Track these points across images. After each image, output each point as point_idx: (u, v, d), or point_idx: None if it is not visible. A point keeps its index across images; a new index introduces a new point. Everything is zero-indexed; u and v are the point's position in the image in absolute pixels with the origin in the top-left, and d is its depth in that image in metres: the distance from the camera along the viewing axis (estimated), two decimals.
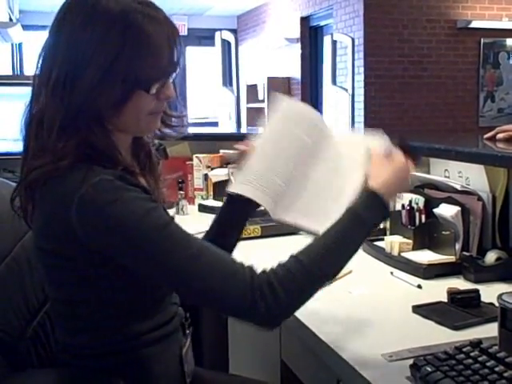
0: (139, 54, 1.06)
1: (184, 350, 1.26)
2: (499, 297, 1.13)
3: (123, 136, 1.17)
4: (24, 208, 1.15)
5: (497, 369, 1.00)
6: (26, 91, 3.32)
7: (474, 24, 7.08)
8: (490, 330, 1.19)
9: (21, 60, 10.08)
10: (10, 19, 7.71)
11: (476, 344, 1.09)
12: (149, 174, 1.26)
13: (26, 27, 8.44)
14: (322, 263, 1.10)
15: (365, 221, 1.15)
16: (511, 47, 7.37)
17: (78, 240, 1.05)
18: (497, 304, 1.15)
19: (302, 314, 1.34)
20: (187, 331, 1.29)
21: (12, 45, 8.72)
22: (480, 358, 1.04)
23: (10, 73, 8.21)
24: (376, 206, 1.16)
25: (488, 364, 1.02)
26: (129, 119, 1.12)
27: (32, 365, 1.24)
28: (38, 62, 1.13)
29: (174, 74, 1.14)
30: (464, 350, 1.07)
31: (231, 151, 2.83)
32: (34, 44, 10.27)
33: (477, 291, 1.43)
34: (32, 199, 1.13)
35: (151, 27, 1.07)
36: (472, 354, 1.05)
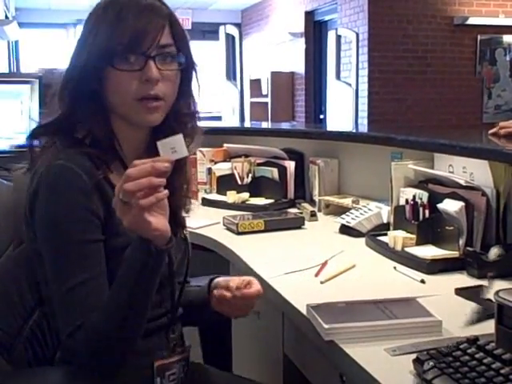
0: (103, 28, 1.13)
1: (157, 363, 1.23)
2: (496, 293, 1.13)
3: (129, 129, 1.19)
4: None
5: (494, 366, 0.99)
6: (22, 89, 3.29)
7: (471, 21, 7.06)
8: (487, 327, 1.19)
9: (17, 58, 10.04)
10: (6, 17, 7.68)
11: (473, 341, 1.08)
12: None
13: (22, 25, 8.41)
14: (97, 319, 1.08)
15: (132, 264, 1.08)
16: (508, 44, 7.35)
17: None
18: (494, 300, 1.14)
19: (304, 308, 1.35)
20: (177, 348, 1.27)
21: (8, 42, 8.70)
22: (477, 355, 1.03)
23: (6, 70, 8.20)
24: (138, 246, 1.07)
25: (485, 361, 1.01)
26: (117, 102, 1.16)
27: (29, 363, 1.24)
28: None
29: (129, 53, 1.13)
30: (461, 346, 1.07)
31: (235, 145, 2.84)
32: (30, 41, 10.28)
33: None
34: None
35: (125, 8, 1.13)
36: (469, 351, 1.04)
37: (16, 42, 9.62)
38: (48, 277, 1.13)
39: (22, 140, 2.83)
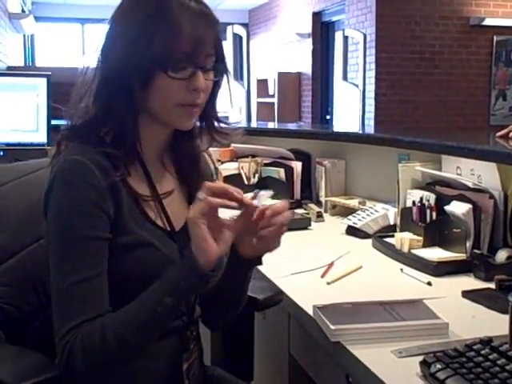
0: (161, 33, 1.09)
1: (185, 365, 1.23)
2: (510, 295, 1.13)
3: (155, 131, 1.20)
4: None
5: (507, 367, 0.99)
6: (38, 82, 3.32)
7: (487, 21, 7.04)
8: (501, 328, 1.19)
9: (33, 51, 10.12)
10: (23, 10, 7.74)
11: (487, 342, 1.08)
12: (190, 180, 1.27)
13: (38, 19, 8.48)
14: (122, 329, 1.06)
15: (175, 284, 1.07)
16: None
17: None
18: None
19: (310, 309, 1.35)
20: (191, 345, 1.25)
21: (24, 36, 8.75)
22: (490, 356, 1.03)
23: (22, 64, 8.23)
24: (185, 266, 1.08)
25: (498, 362, 1.01)
26: (156, 105, 1.14)
27: (46, 340, 1.24)
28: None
29: (188, 64, 1.13)
30: (474, 347, 1.07)
31: (242, 145, 2.84)
32: (46, 35, 10.35)
33: None
34: None
35: (180, 11, 1.10)
36: (482, 352, 1.05)
37: (32, 36, 9.68)
38: (50, 271, 1.11)
39: (37, 136, 2.86)
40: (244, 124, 5.72)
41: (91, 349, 1.04)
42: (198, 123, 1.25)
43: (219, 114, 1.28)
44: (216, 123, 1.27)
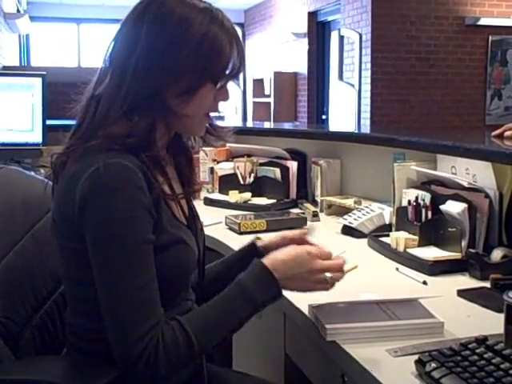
0: (220, 47, 1.16)
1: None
2: (506, 294, 1.13)
3: (166, 131, 1.21)
4: (54, 177, 1.19)
5: (502, 366, 1.00)
6: (33, 82, 3.30)
7: (483, 21, 7.05)
8: (496, 327, 1.19)
9: (28, 51, 10.10)
10: (18, 10, 7.72)
11: (482, 341, 1.08)
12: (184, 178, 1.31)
13: (33, 18, 8.46)
14: (206, 336, 1.12)
15: (254, 299, 1.16)
16: None
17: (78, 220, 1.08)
18: None
19: (306, 308, 1.35)
20: None
21: (19, 36, 8.73)
22: (486, 355, 1.03)
23: (17, 64, 8.22)
24: (268, 284, 1.17)
25: (494, 361, 1.01)
26: (192, 111, 1.18)
27: (37, 352, 1.24)
28: (109, 51, 1.18)
29: (232, 78, 1.21)
30: (470, 346, 1.07)
31: (237, 145, 2.84)
32: (42, 35, 10.33)
33: None
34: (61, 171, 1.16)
35: (218, 29, 1.16)
36: (478, 351, 1.05)
37: (27, 36, 9.67)
38: (98, 279, 1.09)
39: (32, 136, 2.85)
40: (239, 124, 5.73)
41: (176, 356, 1.07)
42: None
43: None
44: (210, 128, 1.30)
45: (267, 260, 1.19)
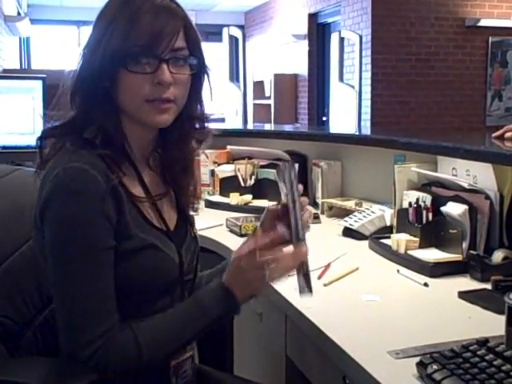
0: (118, 29, 1.11)
1: (173, 362, 1.23)
2: (507, 295, 1.13)
3: (138, 130, 1.20)
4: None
5: (504, 367, 1.00)
6: (33, 85, 3.31)
7: (483, 22, 7.05)
8: (497, 329, 1.19)
9: (28, 54, 10.10)
10: (18, 13, 7.73)
11: (483, 342, 1.08)
12: (177, 183, 1.29)
13: (34, 21, 8.46)
14: (156, 347, 1.11)
15: (208, 313, 1.14)
16: None
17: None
18: None
19: (307, 310, 1.35)
20: (187, 346, 1.25)
21: (20, 38, 8.73)
22: (487, 357, 1.03)
23: (18, 67, 8.22)
24: (223, 299, 1.15)
25: (495, 363, 1.01)
26: (128, 103, 1.15)
27: (38, 351, 1.24)
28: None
29: (143, 55, 1.13)
30: (471, 348, 1.07)
31: (237, 147, 2.84)
32: (42, 38, 10.34)
33: None
34: None
35: (141, 6, 1.12)
36: (479, 353, 1.05)
37: (27, 39, 9.67)
38: (54, 283, 1.10)
39: (33, 139, 2.85)
40: (240, 126, 5.73)
41: (125, 362, 1.08)
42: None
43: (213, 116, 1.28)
44: (197, 124, 1.27)
45: (228, 277, 1.16)
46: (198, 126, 1.27)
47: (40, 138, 1.20)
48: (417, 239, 1.80)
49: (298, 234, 1.12)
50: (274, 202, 1.17)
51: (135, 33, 1.10)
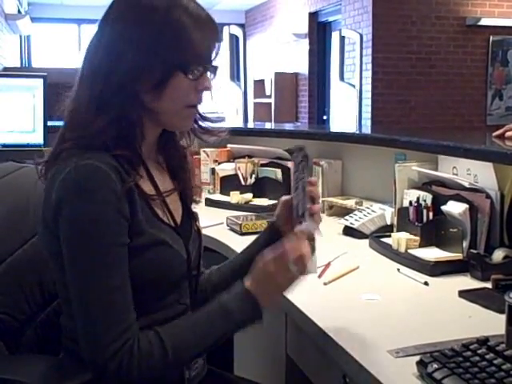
0: (182, 34, 1.12)
1: (187, 373, 1.23)
2: (507, 294, 1.13)
3: (152, 128, 1.20)
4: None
5: (504, 366, 0.99)
6: (34, 83, 3.30)
7: (484, 21, 7.05)
8: (498, 328, 1.19)
9: (29, 52, 10.11)
10: (19, 11, 7.74)
11: (483, 341, 1.08)
12: (178, 176, 1.29)
13: (34, 19, 8.47)
14: (182, 352, 1.11)
15: (235, 320, 1.15)
16: None
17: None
18: None
19: (308, 309, 1.35)
20: None
21: (20, 37, 8.74)
22: (487, 356, 1.03)
23: (18, 65, 8.22)
24: (249, 306, 1.16)
25: (495, 362, 1.01)
26: (167, 106, 1.15)
27: (38, 348, 1.24)
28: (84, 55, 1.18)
29: (211, 68, 1.18)
30: (471, 347, 1.07)
31: (238, 146, 2.84)
32: (43, 36, 10.34)
33: None
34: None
35: (189, 17, 1.13)
36: (479, 352, 1.05)
37: (28, 37, 9.68)
38: (72, 282, 1.09)
39: (33, 137, 2.86)
40: (240, 124, 5.74)
41: (148, 367, 1.07)
42: None
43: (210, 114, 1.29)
44: (200, 122, 1.28)
45: (251, 282, 1.17)
46: (203, 124, 1.29)
47: (60, 139, 1.16)
48: (417, 238, 1.80)
49: (298, 212, 1.20)
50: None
51: (197, 42, 1.13)
